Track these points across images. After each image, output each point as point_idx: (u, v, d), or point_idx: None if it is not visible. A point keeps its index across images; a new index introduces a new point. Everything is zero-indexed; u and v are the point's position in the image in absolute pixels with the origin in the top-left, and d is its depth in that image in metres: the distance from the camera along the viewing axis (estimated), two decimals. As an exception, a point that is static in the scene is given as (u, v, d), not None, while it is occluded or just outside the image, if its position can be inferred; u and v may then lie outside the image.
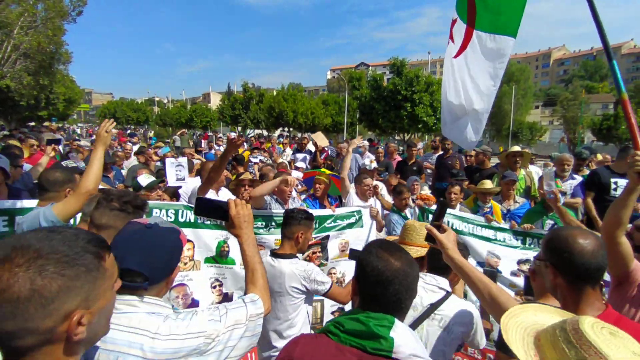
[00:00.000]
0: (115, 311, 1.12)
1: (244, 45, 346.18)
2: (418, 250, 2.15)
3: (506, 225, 4.17)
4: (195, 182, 5.04)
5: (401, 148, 9.49)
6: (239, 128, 35.23)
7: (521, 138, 37.52)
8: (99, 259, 0.82)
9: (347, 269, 4.06)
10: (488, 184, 4.93)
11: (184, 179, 5.70)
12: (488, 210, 4.61)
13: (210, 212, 1.53)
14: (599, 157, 8.00)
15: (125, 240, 1.24)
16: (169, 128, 41.32)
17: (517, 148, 6.26)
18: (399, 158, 8.53)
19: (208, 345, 1.19)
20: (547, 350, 1.11)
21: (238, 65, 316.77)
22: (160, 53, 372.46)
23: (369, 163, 5.98)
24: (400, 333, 1.19)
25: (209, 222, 3.68)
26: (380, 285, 1.23)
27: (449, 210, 4.39)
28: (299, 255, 2.62)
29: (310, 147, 11.91)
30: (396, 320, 1.22)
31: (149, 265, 1.21)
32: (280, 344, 2.48)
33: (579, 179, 5.19)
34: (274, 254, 2.59)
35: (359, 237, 4.25)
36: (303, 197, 5.02)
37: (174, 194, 4.99)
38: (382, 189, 5.32)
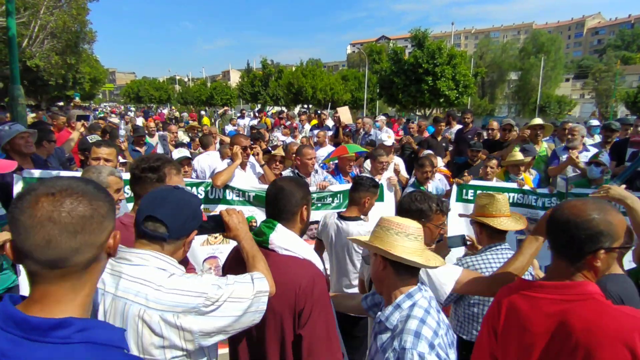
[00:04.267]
0: (128, 263, 1.30)
1: (262, 22, 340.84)
2: (495, 219, 2.26)
3: (545, 190, 4.31)
4: (215, 157, 5.18)
5: (424, 123, 9.30)
6: (259, 105, 35.34)
7: (549, 112, 36.08)
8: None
9: None
10: (519, 155, 4.85)
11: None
12: (521, 177, 4.65)
13: (210, 228, 1.62)
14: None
15: (153, 195, 1.39)
16: (190, 106, 41.87)
17: (538, 121, 6.13)
18: (427, 134, 8.42)
19: (207, 307, 1.26)
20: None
21: (257, 42, 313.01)
22: (180, 32, 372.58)
23: (386, 138, 5.94)
24: (279, 232, 1.65)
25: (238, 199, 3.91)
26: (268, 200, 1.74)
27: (484, 183, 4.45)
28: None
29: (329, 122, 11.91)
30: (279, 224, 1.68)
31: (172, 218, 1.33)
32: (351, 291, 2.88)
33: (593, 150, 5.14)
34: (341, 216, 2.86)
35: (381, 212, 4.38)
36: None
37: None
38: (401, 165, 5.33)
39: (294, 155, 4.60)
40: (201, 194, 3.79)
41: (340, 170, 5.01)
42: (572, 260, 1.33)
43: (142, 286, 1.24)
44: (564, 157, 5.07)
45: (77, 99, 24.40)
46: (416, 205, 2.11)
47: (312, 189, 4.01)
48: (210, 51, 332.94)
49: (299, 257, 1.61)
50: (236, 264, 1.64)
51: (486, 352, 1.54)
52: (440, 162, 5.71)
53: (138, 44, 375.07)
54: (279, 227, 1.66)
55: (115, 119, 14.26)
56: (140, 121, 15.21)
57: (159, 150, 6.76)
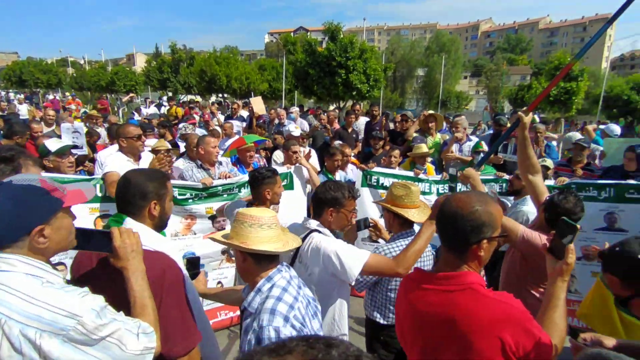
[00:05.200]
0: None
1: (173, 3, 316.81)
2: (409, 211, 2.41)
3: (438, 177, 4.73)
4: (112, 151, 4.66)
5: (333, 114, 9.43)
6: (169, 93, 32.77)
7: (449, 106, 39.77)
8: None
9: None
10: (423, 147, 5.21)
11: (82, 147, 5.23)
12: (424, 170, 5.02)
13: (91, 243, 1.37)
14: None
15: None
16: (87, 92, 37.19)
17: (430, 112, 6.63)
18: (337, 126, 8.53)
19: (79, 335, 1.10)
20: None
21: (167, 25, 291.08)
22: (74, 6, 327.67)
23: (294, 129, 5.93)
24: (128, 225, 1.58)
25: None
26: (117, 193, 1.69)
27: (387, 170, 4.81)
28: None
29: (243, 113, 11.46)
30: (128, 218, 1.64)
31: None
32: None
33: (475, 139, 5.75)
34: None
35: (291, 200, 4.36)
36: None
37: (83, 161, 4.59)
38: (314, 156, 5.44)
39: (194, 147, 4.39)
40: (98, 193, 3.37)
41: (241, 162, 4.84)
42: (459, 251, 1.40)
43: (6, 294, 1.10)
44: (453, 148, 5.56)
45: None
46: (330, 194, 2.25)
47: (217, 181, 3.85)
48: (112, 31, 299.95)
49: (150, 249, 1.56)
50: (101, 274, 1.47)
51: (401, 336, 1.64)
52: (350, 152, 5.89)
53: (21, 19, 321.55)
54: (128, 221, 1.63)
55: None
56: (24, 108, 12.98)
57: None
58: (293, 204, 4.33)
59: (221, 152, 5.35)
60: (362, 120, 8.45)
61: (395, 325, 1.68)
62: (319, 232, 2.21)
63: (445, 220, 1.41)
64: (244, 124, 9.09)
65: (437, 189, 4.68)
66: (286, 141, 5.20)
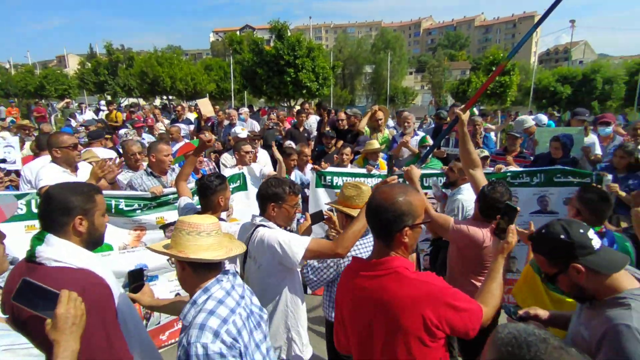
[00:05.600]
0: None
1: (108, 0, 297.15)
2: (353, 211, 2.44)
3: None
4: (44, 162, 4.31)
5: (282, 113, 9.39)
6: (108, 96, 30.73)
7: (397, 102, 41.11)
8: None
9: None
10: (375, 144, 5.31)
11: (14, 162, 4.80)
12: (376, 166, 5.10)
13: (33, 301, 1.24)
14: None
15: None
16: (15, 99, 33.86)
17: (377, 107, 6.81)
18: (289, 125, 8.50)
19: None
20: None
21: (101, 24, 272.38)
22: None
23: (240, 131, 5.83)
24: (49, 244, 1.55)
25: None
26: (39, 208, 1.64)
27: (340, 169, 4.85)
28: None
29: (190, 115, 11.04)
30: (50, 235, 1.57)
31: None
32: None
33: (421, 134, 5.99)
34: None
35: (246, 200, 4.39)
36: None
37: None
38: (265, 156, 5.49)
39: (132, 155, 4.18)
40: (21, 209, 3.13)
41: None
42: (386, 239, 1.51)
43: None
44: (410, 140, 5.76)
45: None
46: (272, 190, 2.33)
47: (167, 189, 3.71)
48: (40, 32, 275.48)
49: (73, 267, 1.53)
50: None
51: (338, 323, 1.73)
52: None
53: None
54: (50, 238, 1.57)
55: None
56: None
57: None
58: (250, 203, 4.31)
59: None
60: (313, 119, 8.49)
61: (335, 313, 1.75)
62: (264, 226, 2.29)
63: (371, 212, 1.53)
64: (191, 127, 8.78)
65: None
66: (235, 143, 5.11)
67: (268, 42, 24.19)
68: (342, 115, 6.93)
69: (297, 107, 9.94)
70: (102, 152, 4.89)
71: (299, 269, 2.35)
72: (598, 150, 5.05)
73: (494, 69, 27.73)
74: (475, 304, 1.50)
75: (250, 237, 2.28)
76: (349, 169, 5.02)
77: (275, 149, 4.55)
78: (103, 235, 1.71)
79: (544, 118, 7.72)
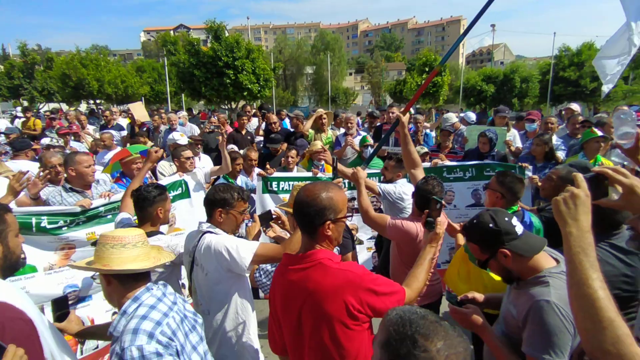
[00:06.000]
0: None
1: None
2: None
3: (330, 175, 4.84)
4: None
5: (222, 116, 9.09)
6: (25, 102, 27.68)
7: (339, 102, 41.96)
8: None
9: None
10: (318, 145, 5.36)
11: None
12: (321, 167, 5.14)
13: None
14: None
15: None
16: None
17: (321, 110, 6.91)
18: (230, 129, 8.24)
19: None
20: None
21: (14, 22, 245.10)
22: None
23: (179, 137, 5.56)
24: None
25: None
26: None
27: (285, 174, 4.86)
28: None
29: (122, 121, 10.32)
30: None
31: None
32: None
33: (363, 134, 6.21)
34: None
35: (189, 208, 4.20)
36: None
37: None
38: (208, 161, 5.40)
39: (51, 167, 3.74)
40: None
41: (126, 176, 4.39)
42: (310, 233, 1.59)
43: None
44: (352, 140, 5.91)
45: None
46: (220, 195, 2.30)
47: (96, 201, 3.39)
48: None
49: None
50: None
51: (273, 321, 1.77)
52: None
53: None
54: None
55: None
56: None
57: None
58: (194, 210, 4.13)
59: (100, 167, 4.74)
60: (255, 122, 8.38)
61: (270, 310, 1.79)
62: (211, 232, 2.25)
63: (297, 208, 1.61)
64: (122, 134, 8.22)
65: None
66: (174, 150, 4.86)
67: (205, 43, 23.34)
68: (274, 118, 6.88)
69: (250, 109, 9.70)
70: (27, 165, 4.37)
71: (247, 275, 2.30)
72: (519, 143, 5.57)
73: (427, 69, 29.49)
74: (397, 287, 1.63)
75: (197, 245, 2.23)
76: (295, 173, 5.02)
77: (224, 147, 4.40)
78: (19, 257, 1.55)
79: (472, 115, 8.32)
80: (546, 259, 1.68)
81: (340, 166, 3.09)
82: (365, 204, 2.84)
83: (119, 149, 6.23)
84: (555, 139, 4.88)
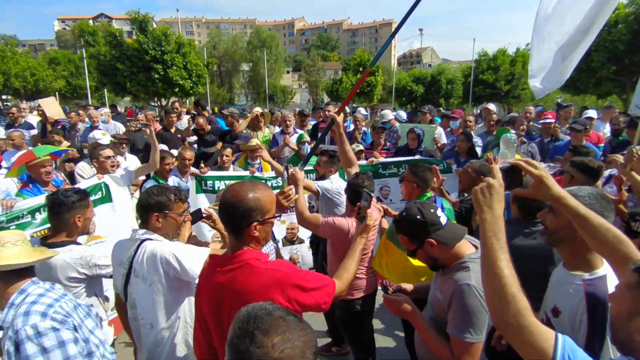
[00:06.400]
0: None
1: None
2: None
3: (272, 173, 4.75)
4: None
5: (150, 113, 8.49)
6: None
7: (276, 100, 41.73)
8: None
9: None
10: (254, 141, 5.26)
11: None
12: (258, 166, 5.04)
13: None
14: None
15: None
16: None
17: (258, 109, 6.79)
18: (159, 127, 7.71)
19: None
20: None
21: None
22: None
23: (100, 136, 5.10)
24: None
25: None
26: None
27: (221, 173, 4.71)
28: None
29: (32, 119, 9.21)
30: None
31: None
32: None
33: (300, 132, 6.22)
34: (46, 243, 2.34)
35: (110, 214, 3.88)
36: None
37: None
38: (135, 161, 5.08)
39: None
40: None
41: (35, 180, 3.90)
42: (236, 234, 1.55)
43: None
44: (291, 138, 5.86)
45: None
46: (154, 199, 2.16)
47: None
48: None
49: None
50: None
51: (199, 325, 1.71)
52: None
53: None
54: None
55: None
56: None
57: None
58: (117, 215, 3.81)
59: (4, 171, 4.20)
60: (185, 120, 7.99)
61: (195, 309, 1.75)
62: (150, 239, 2.10)
63: (222, 210, 1.56)
64: (32, 132, 7.35)
65: (271, 184, 4.73)
66: (92, 150, 4.46)
67: (130, 35, 21.65)
68: (201, 121, 6.58)
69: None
70: None
71: (196, 282, 2.17)
72: (444, 140, 5.99)
73: (361, 69, 30.52)
74: (327, 281, 1.64)
75: (135, 254, 2.06)
76: (231, 171, 4.87)
77: (154, 139, 4.09)
78: None
79: (403, 114, 8.76)
80: (467, 246, 1.81)
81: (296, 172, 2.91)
82: (301, 206, 2.82)
83: (28, 148, 5.56)
84: (474, 137, 5.31)
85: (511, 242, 2.10)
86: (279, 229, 4.80)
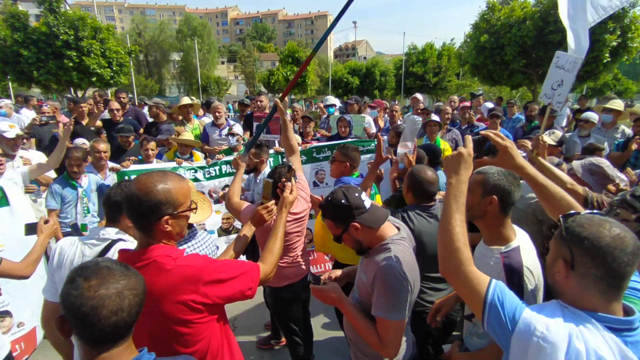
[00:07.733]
0: None
1: None
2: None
3: (203, 163, 4.64)
4: None
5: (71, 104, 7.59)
6: None
7: (210, 92, 40.05)
8: None
9: None
10: (188, 135, 5.16)
11: None
12: (190, 157, 4.91)
13: None
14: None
15: None
16: None
17: (187, 100, 6.42)
18: (65, 119, 6.90)
19: None
20: None
21: None
22: None
23: (7, 128, 4.42)
24: None
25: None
26: None
27: (144, 166, 4.39)
28: None
29: None
30: None
31: None
32: None
33: (233, 123, 6.11)
34: None
35: (7, 219, 3.37)
36: None
37: None
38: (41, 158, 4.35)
39: None
40: None
41: None
42: (144, 230, 1.43)
43: None
44: (215, 135, 5.66)
45: None
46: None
47: None
48: None
49: None
50: None
51: None
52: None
53: None
54: None
55: None
56: None
57: None
58: (14, 221, 3.34)
59: None
60: (107, 112, 7.30)
61: None
62: (124, 240, 1.94)
63: (127, 203, 1.42)
64: None
65: (204, 174, 4.58)
66: None
67: (38, 19, 19.19)
68: (115, 105, 6.10)
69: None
70: None
71: None
72: (373, 129, 6.23)
73: (290, 60, 30.38)
74: (247, 267, 1.59)
75: (105, 255, 1.87)
76: (154, 164, 4.54)
77: (67, 136, 3.64)
78: None
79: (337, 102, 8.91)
80: (390, 228, 1.84)
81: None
82: (232, 191, 2.78)
83: None
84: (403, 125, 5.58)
85: (417, 228, 2.26)
86: (215, 219, 4.62)
